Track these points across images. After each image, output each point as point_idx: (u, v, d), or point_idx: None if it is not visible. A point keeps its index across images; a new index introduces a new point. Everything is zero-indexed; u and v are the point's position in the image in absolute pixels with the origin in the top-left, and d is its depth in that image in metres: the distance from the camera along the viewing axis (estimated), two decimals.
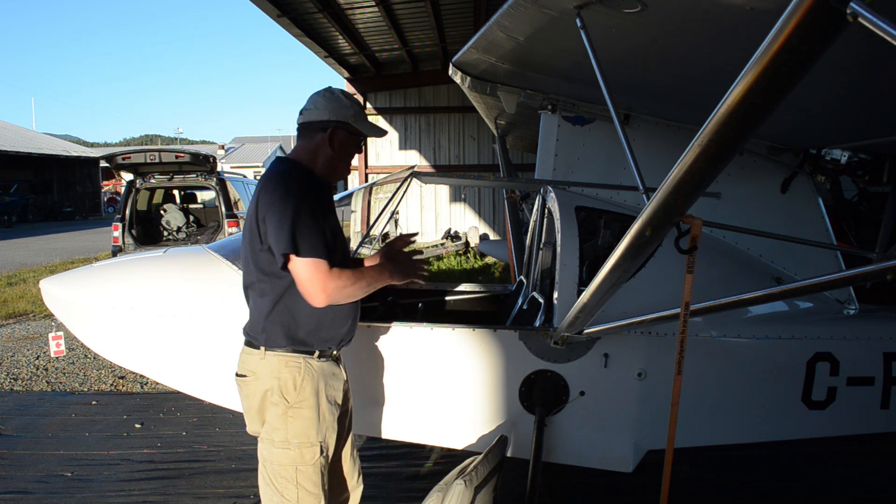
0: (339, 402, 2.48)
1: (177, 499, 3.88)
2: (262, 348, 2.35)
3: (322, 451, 2.37)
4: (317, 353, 2.38)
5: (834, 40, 1.18)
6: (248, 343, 2.41)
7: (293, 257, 2.18)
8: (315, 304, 2.22)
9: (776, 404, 3.31)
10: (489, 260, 13.30)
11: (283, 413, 2.34)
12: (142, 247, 9.53)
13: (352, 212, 9.13)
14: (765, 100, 1.35)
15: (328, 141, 2.40)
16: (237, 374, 2.44)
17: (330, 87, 2.47)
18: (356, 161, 16.17)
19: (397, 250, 2.60)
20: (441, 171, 16.61)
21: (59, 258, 15.17)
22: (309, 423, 2.35)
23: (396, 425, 3.21)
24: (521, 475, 2.93)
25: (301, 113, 2.45)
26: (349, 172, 2.60)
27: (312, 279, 2.18)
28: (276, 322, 2.33)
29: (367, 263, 2.56)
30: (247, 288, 2.42)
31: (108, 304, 3.24)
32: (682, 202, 1.82)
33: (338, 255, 2.36)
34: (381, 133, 2.64)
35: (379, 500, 3.80)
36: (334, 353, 2.48)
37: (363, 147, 2.54)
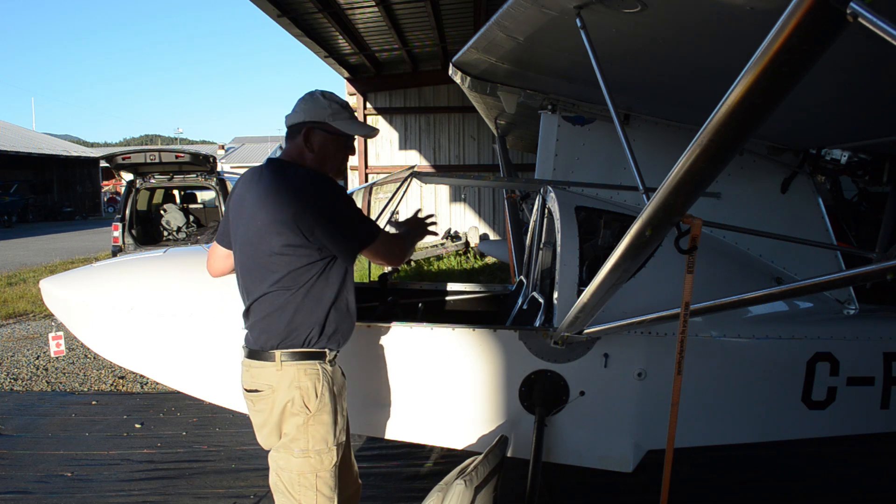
0: (345, 403, 2.49)
1: (177, 499, 3.88)
2: (279, 359, 2.30)
3: (337, 454, 2.38)
4: (328, 356, 2.37)
5: (834, 40, 1.18)
6: (257, 356, 2.34)
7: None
8: (395, 265, 2.60)
9: (776, 404, 3.31)
10: (489, 260, 13.30)
11: (304, 422, 2.31)
12: (142, 247, 9.52)
13: None
14: (765, 100, 1.35)
15: (304, 142, 2.39)
16: (247, 391, 2.38)
17: (312, 90, 2.47)
18: (355, 161, 16.16)
19: (410, 219, 2.79)
20: (441, 171, 16.62)
21: (59, 258, 15.17)
22: (327, 429, 2.34)
23: (397, 425, 3.21)
24: (521, 475, 2.93)
25: (286, 117, 2.46)
26: (340, 173, 2.53)
27: (388, 248, 2.45)
28: (301, 324, 2.30)
29: None
30: (257, 299, 2.34)
31: (108, 304, 3.24)
32: (682, 202, 1.82)
33: None
34: (364, 131, 2.52)
35: (379, 500, 3.81)
36: (336, 354, 2.47)
37: (352, 147, 2.50)
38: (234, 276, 2.51)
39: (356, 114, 2.81)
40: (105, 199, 38.73)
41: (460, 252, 14.71)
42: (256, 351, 2.34)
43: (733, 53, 1.68)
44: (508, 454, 3.04)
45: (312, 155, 2.39)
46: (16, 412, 5.40)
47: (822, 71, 1.36)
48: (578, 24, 2.23)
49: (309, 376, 2.32)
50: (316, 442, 2.33)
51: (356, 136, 2.52)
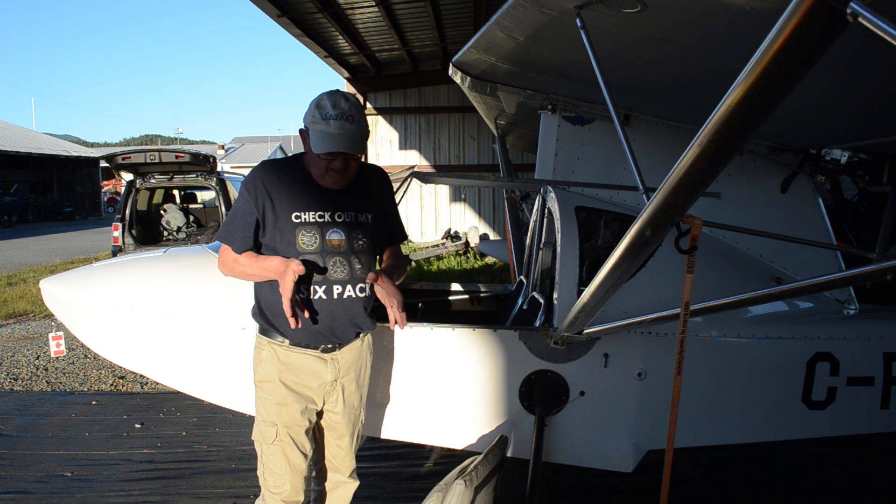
0: (314, 397, 2.55)
1: (177, 499, 3.88)
2: (256, 325, 2.61)
3: (278, 435, 2.48)
4: (287, 341, 2.49)
5: (834, 40, 1.18)
6: None
7: None
8: (222, 272, 2.57)
9: (776, 404, 3.31)
10: (489, 260, 13.30)
11: (254, 389, 2.59)
12: (142, 247, 9.52)
13: None
14: (765, 100, 1.35)
15: (302, 142, 2.49)
16: None
17: (324, 92, 2.48)
18: None
19: (293, 266, 2.32)
20: (441, 171, 16.62)
21: (59, 258, 15.16)
22: (268, 404, 2.51)
23: (396, 425, 3.20)
24: (521, 475, 2.93)
25: None
26: (333, 181, 2.43)
27: (222, 258, 2.54)
28: (254, 300, 2.61)
29: None
30: None
31: (108, 304, 3.24)
32: (682, 202, 1.82)
33: (295, 240, 2.43)
34: (324, 148, 2.33)
35: (379, 500, 3.81)
36: (319, 348, 2.52)
37: (333, 161, 2.37)
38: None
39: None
40: (105, 199, 38.72)
41: (460, 252, 14.71)
42: None
43: (733, 53, 1.68)
44: (508, 454, 3.04)
45: (310, 154, 2.47)
46: (16, 412, 5.39)
47: (822, 71, 1.36)
48: (578, 24, 2.23)
49: (257, 349, 2.59)
50: (258, 412, 2.56)
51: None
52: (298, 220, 2.42)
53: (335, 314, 2.49)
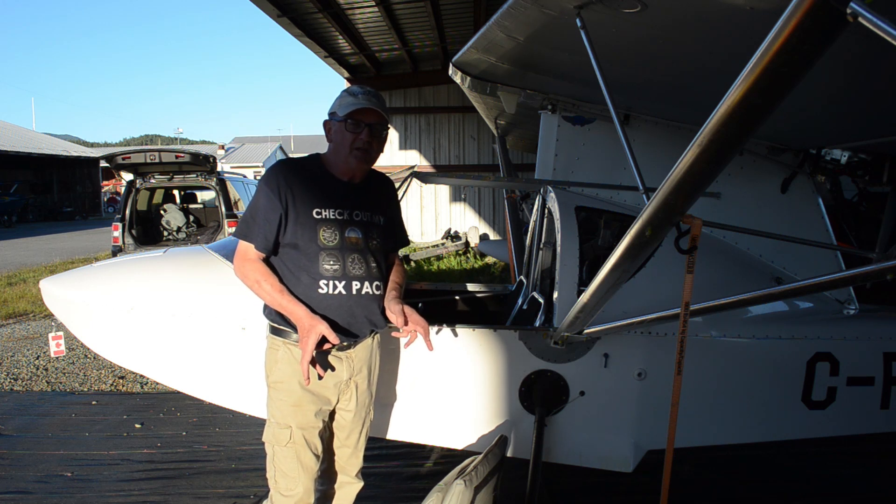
0: (330, 397, 2.56)
1: (177, 499, 3.88)
2: (267, 324, 2.57)
3: (292, 437, 2.46)
4: (294, 336, 2.46)
5: (834, 40, 1.18)
6: None
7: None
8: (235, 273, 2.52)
9: (776, 404, 3.31)
10: (489, 260, 13.30)
11: (267, 390, 2.55)
12: (142, 247, 9.53)
13: None
14: (765, 100, 1.35)
15: (326, 134, 2.58)
16: None
17: None
18: None
19: (321, 328, 2.35)
20: (441, 171, 16.62)
21: (59, 258, 15.16)
22: (282, 406, 2.48)
23: (397, 425, 3.20)
24: (521, 475, 2.93)
25: None
26: (362, 158, 2.53)
27: (238, 257, 2.51)
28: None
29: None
30: None
31: (108, 304, 3.24)
32: (682, 202, 1.82)
33: (311, 241, 2.44)
34: (352, 107, 2.44)
35: (379, 500, 3.80)
36: (333, 347, 2.50)
37: (361, 127, 2.46)
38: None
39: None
40: (105, 199, 38.72)
41: (460, 252, 14.71)
42: None
43: (733, 53, 1.68)
44: (508, 454, 3.04)
45: (331, 144, 2.57)
46: (16, 412, 5.39)
47: (822, 71, 1.36)
48: (578, 24, 2.23)
49: (270, 350, 2.56)
50: (272, 413, 2.53)
51: (356, 115, 2.45)
52: (319, 217, 2.46)
53: (353, 310, 2.52)
